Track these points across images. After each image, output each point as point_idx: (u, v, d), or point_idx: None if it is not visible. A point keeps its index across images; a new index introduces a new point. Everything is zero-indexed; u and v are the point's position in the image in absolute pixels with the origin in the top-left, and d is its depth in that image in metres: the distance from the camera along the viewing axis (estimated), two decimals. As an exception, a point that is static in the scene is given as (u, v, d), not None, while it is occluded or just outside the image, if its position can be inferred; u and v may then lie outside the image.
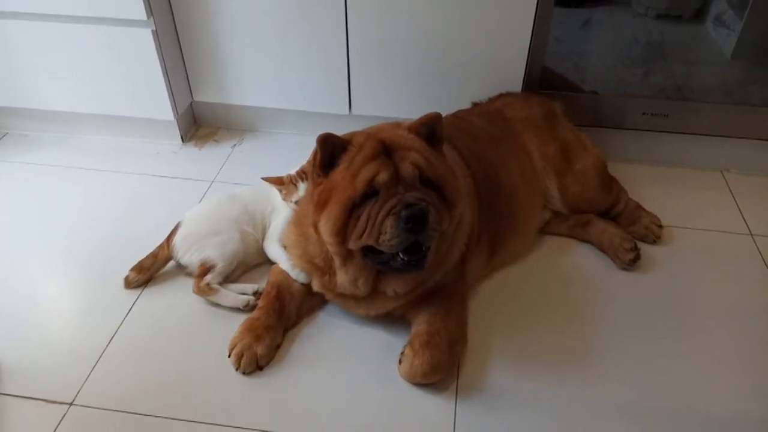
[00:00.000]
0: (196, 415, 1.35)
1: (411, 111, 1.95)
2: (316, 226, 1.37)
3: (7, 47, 2.02)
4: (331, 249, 1.37)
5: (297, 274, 1.54)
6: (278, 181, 1.63)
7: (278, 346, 1.48)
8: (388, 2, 1.86)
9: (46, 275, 1.71)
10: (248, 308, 1.55)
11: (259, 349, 1.44)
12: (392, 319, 1.51)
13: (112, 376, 1.43)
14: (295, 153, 1.80)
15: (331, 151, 1.32)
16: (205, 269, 1.58)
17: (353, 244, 1.33)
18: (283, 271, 1.57)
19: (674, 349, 1.51)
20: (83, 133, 2.25)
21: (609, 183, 1.83)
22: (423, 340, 1.39)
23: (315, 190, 1.36)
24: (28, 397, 1.39)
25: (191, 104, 2.25)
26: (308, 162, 1.53)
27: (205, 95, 2.19)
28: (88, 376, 1.43)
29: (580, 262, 1.75)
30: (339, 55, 1.99)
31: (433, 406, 1.38)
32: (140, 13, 1.87)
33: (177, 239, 1.63)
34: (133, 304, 1.60)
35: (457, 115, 1.82)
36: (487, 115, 1.82)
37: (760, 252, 1.78)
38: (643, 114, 2.01)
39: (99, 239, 1.80)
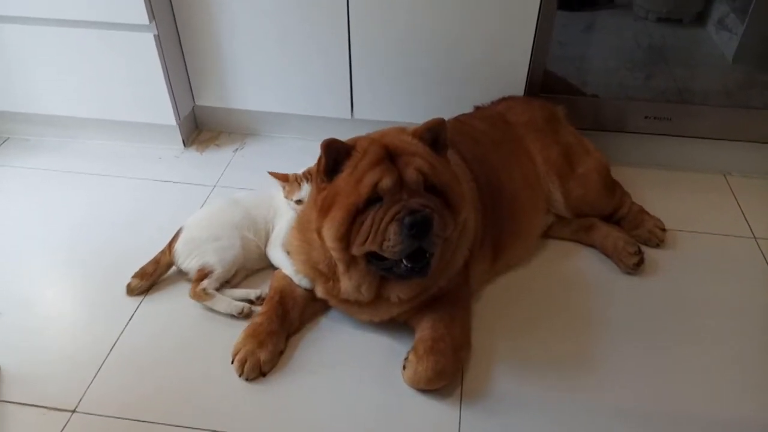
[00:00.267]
0: (199, 422, 1.35)
1: (413, 115, 1.96)
2: (319, 232, 1.37)
3: (8, 52, 2.02)
4: (335, 255, 1.37)
5: (300, 280, 1.54)
6: (284, 178, 1.63)
7: (281, 352, 1.48)
8: (390, 7, 1.86)
9: (48, 280, 1.70)
10: (243, 315, 1.55)
11: (262, 355, 1.43)
12: (396, 325, 1.51)
13: (115, 382, 1.43)
14: (297, 157, 1.80)
15: (335, 156, 1.31)
16: (203, 274, 1.58)
17: (357, 250, 1.32)
18: (286, 277, 1.56)
19: (678, 352, 1.50)
20: (85, 137, 2.25)
21: (612, 186, 1.83)
22: (427, 346, 1.38)
23: (319, 196, 1.36)
24: (30, 404, 1.38)
25: (193, 109, 2.25)
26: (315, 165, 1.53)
27: (207, 99, 2.19)
28: (91, 382, 1.42)
29: (583, 266, 1.74)
30: (341, 59, 1.98)
31: (437, 412, 1.37)
32: (142, 17, 1.87)
33: (179, 245, 1.63)
34: (136, 310, 1.60)
35: (460, 119, 1.81)
36: (490, 118, 1.82)
37: (763, 255, 1.78)
38: (645, 117, 2.01)
39: (100, 244, 1.80)
